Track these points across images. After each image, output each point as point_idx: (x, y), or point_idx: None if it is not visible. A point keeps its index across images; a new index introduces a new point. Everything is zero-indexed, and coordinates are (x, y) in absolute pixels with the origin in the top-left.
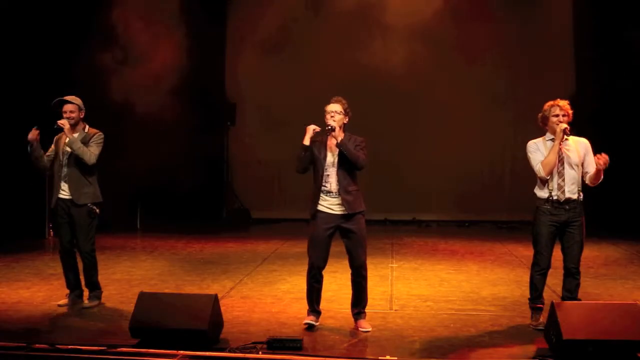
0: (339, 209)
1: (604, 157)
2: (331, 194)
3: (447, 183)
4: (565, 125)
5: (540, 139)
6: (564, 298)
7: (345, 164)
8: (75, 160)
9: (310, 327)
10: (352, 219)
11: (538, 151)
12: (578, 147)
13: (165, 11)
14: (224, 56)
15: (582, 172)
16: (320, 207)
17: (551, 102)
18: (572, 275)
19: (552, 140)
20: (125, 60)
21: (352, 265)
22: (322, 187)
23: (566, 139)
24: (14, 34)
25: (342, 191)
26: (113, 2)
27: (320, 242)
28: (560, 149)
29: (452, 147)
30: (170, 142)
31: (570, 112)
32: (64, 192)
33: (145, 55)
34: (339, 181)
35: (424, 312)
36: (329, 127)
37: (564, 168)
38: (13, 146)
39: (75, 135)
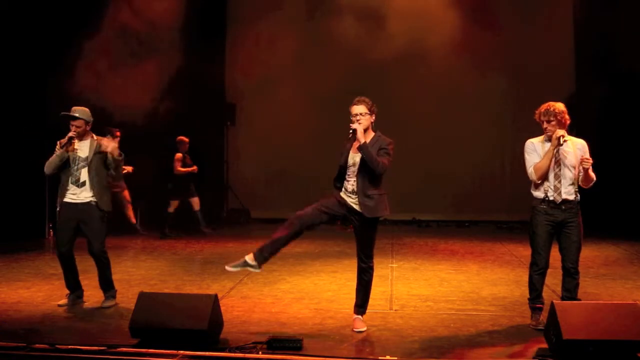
0: (357, 206)
1: (586, 159)
2: (347, 192)
3: (447, 183)
4: (562, 132)
5: (538, 139)
6: (563, 298)
7: (366, 167)
8: (96, 167)
9: (243, 264)
10: (367, 223)
11: (534, 152)
12: (576, 148)
13: (166, 11)
14: (224, 56)
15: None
16: (342, 197)
17: (540, 108)
18: (570, 275)
19: (550, 142)
20: (125, 60)
21: (358, 255)
22: (345, 186)
23: (561, 144)
24: (13, 33)
25: (361, 194)
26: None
27: (327, 207)
28: (557, 151)
29: (452, 147)
30: (171, 142)
31: (559, 113)
32: (73, 196)
33: (145, 55)
34: (357, 184)
35: (424, 312)
36: (351, 131)
37: (560, 169)
38: (13, 146)
39: (87, 141)
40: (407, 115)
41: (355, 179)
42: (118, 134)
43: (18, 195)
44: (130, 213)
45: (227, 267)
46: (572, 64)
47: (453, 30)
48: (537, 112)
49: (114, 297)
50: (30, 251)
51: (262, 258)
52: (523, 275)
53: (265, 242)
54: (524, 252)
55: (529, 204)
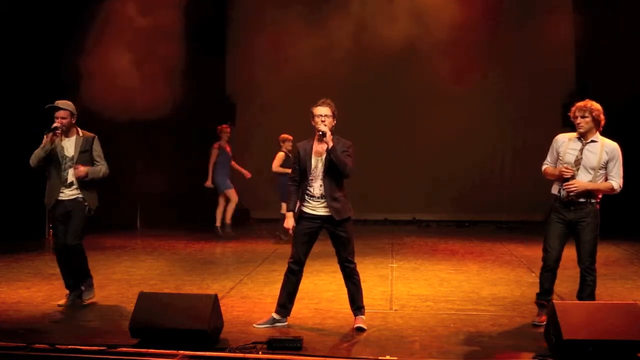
0: (323, 211)
1: (566, 185)
2: (314, 198)
3: (447, 183)
4: (573, 190)
5: (570, 135)
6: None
7: (334, 170)
8: (83, 164)
9: (271, 321)
10: (340, 225)
11: (554, 150)
12: (603, 150)
13: (166, 11)
14: (224, 56)
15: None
16: (304, 209)
17: (577, 104)
18: (582, 277)
19: (579, 139)
20: (125, 60)
21: (339, 261)
22: (307, 191)
23: (592, 141)
24: (11, 32)
25: (329, 198)
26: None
27: (302, 238)
28: (581, 151)
29: (452, 147)
30: (170, 142)
31: (595, 110)
32: (62, 195)
33: (145, 55)
34: (325, 187)
35: (424, 312)
36: (321, 133)
37: (578, 169)
38: (13, 146)
39: (72, 138)
40: (407, 116)
41: (321, 183)
42: (228, 129)
43: (18, 195)
44: (230, 213)
45: (255, 325)
46: (572, 64)
47: (452, 30)
48: (572, 108)
49: (91, 285)
50: (30, 251)
51: (285, 310)
52: (523, 275)
53: (280, 297)
54: (524, 252)
55: (528, 204)
